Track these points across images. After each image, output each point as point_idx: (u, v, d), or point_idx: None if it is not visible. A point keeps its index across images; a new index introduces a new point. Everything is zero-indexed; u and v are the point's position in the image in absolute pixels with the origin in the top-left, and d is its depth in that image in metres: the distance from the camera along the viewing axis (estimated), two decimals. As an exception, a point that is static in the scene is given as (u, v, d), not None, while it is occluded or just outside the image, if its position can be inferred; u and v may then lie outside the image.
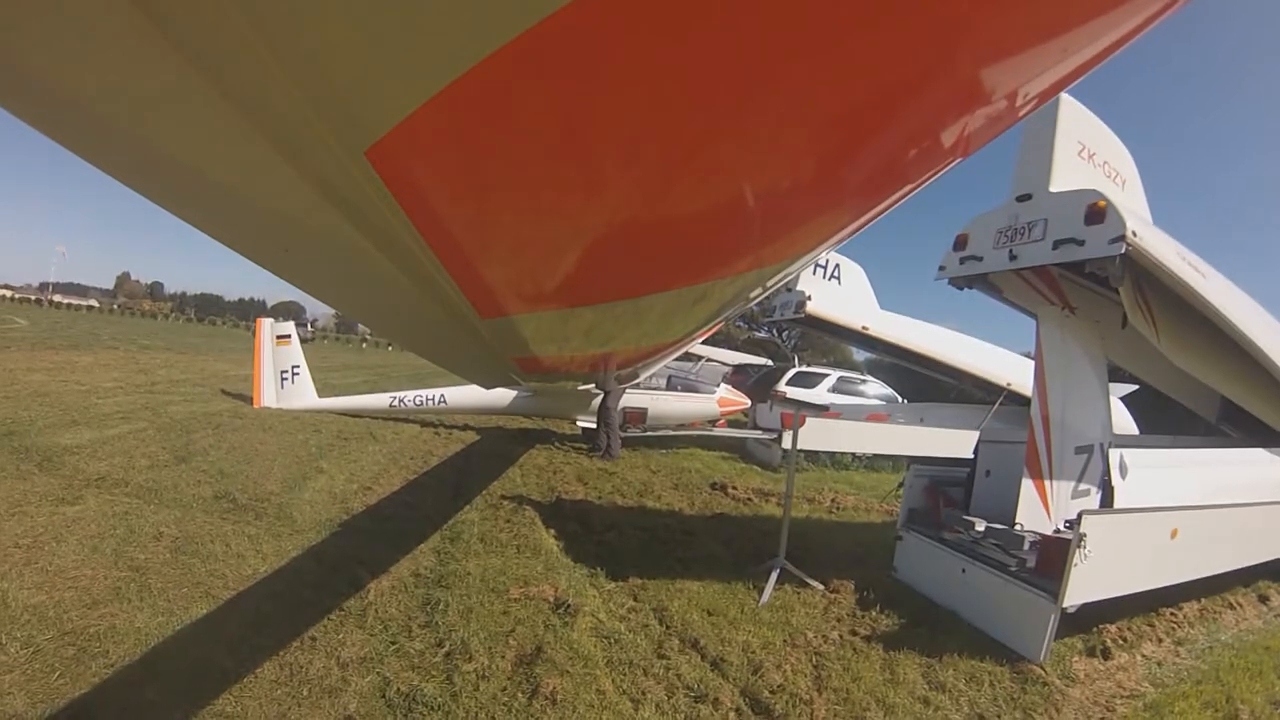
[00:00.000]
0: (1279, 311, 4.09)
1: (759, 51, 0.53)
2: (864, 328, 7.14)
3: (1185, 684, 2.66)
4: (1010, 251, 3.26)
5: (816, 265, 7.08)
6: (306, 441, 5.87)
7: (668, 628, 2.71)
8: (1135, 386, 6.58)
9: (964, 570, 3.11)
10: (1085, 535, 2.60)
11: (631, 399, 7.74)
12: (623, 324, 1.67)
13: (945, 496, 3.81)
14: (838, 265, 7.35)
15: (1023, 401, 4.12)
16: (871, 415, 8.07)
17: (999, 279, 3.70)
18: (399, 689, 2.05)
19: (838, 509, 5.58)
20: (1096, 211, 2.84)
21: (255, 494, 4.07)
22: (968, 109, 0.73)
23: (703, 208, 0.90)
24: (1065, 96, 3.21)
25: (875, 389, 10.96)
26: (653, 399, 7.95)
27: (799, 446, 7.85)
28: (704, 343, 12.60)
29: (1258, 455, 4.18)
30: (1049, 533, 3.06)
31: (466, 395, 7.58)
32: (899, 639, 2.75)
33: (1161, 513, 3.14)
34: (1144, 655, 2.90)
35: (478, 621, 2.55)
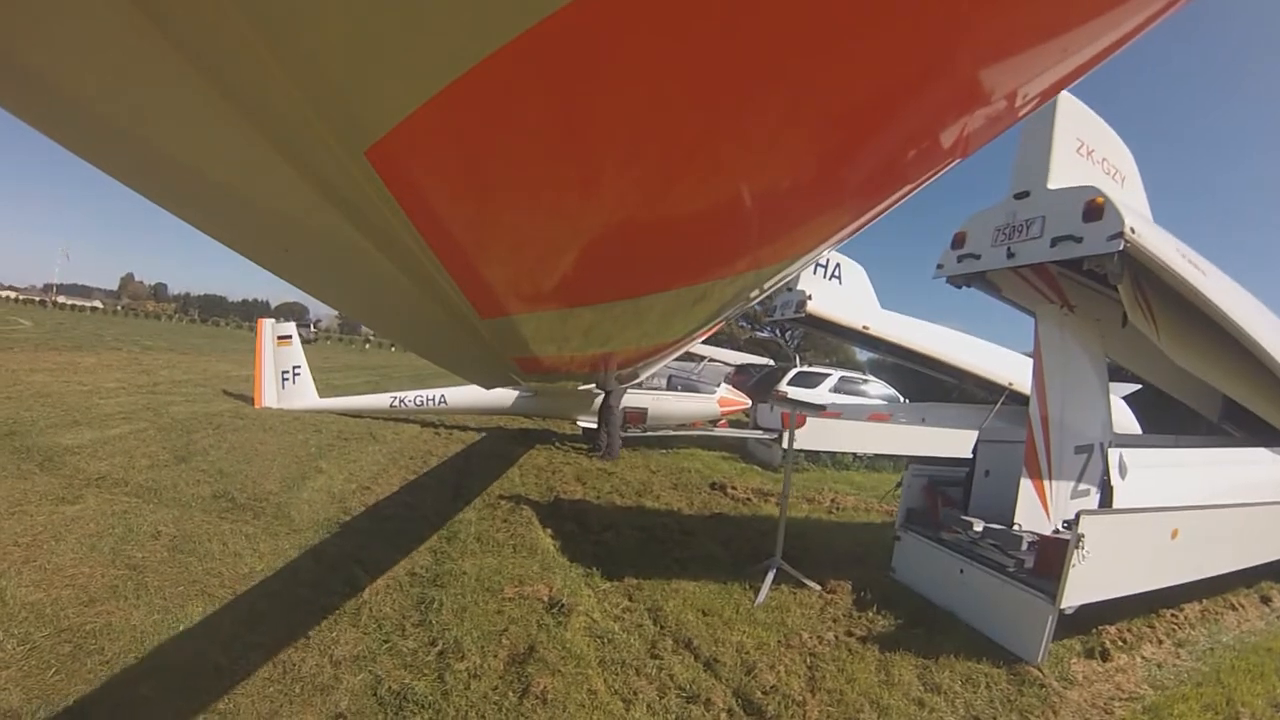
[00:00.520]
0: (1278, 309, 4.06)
1: (759, 51, 0.53)
2: (865, 327, 7.12)
3: (1185, 686, 2.63)
4: (1008, 249, 3.24)
5: (817, 265, 7.07)
6: (306, 441, 5.89)
7: (662, 628, 2.70)
8: (1138, 385, 6.54)
9: (962, 571, 3.09)
10: (1083, 536, 2.58)
11: (632, 399, 7.74)
12: (623, 324, 1.67)
13: (944, 496, 3.79)
14: (838, 265, 7.33)
15: (1025, 401, 4.09)
16: (873, 415, 8.04)
17: (997, 277, 3.68)
18: (390, 687, 2.05)
19: (837, 509, 5.57)
20: (1094, 208, 2.82)
21: (254, 493, 4.09)
22: (967, 109, 0.73)
23: (703, 207, 0.90)
24: (1064, 94, 3.19)
25: (877, 389, 10.93)
26: (653, 399, 7.94)
27: (799, 446, 7.86)
28: (705, 342, 12.61)
29: (1260, 454, 4.14)
30: (1047, 533, 3.04)
31: (467, 395, 7.59)
32: (895, 640, 2.74)
33: (1161, 513, 3.12)
34: (1144, 657, 2.88)
35: (471, 621, 2.55)
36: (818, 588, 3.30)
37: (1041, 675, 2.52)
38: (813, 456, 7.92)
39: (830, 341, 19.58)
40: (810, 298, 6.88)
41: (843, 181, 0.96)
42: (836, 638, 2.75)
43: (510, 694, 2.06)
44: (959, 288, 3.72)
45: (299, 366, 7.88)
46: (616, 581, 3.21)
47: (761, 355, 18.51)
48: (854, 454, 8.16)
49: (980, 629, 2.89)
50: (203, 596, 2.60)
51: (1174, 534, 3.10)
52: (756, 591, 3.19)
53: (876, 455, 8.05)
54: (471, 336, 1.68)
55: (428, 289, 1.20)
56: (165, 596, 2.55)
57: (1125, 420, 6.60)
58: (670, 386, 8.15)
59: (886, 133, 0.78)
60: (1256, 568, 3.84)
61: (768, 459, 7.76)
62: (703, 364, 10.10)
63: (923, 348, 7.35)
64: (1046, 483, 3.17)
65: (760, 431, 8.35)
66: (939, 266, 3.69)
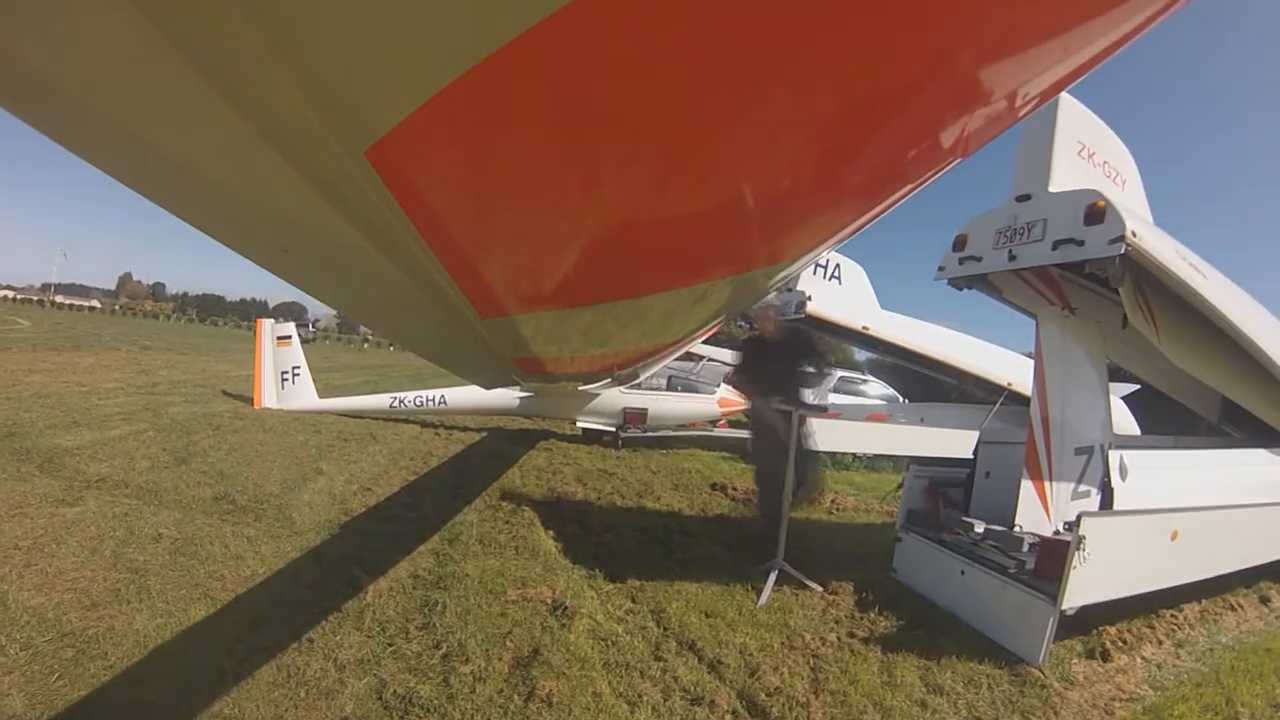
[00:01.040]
0: (1279, 311, 4.07)
1: (758, 51, 0.53)
2: (864, 328, 7.12)
3: (1185, 687, 2.64)
4: (1010, 252, 3.25)
5: (817, 265, 7.07)
6: (306, 442, 5.88)
7: (665, 630, 2.71)
8: (1137, 386, 6.56)
9: (963, 572, 3.10)
10: (1084, 537, 2.59)
11: (632, 399, 7.74)
12: (623, 324, 1.67)
13: (945, 497, 3.80)
14: (838, 265, 7.34)
15: (1024, 402, 4.11)
16: (872, 415, 8.05)
17: (998, 279, 3.69)
18: (395, 691, 2.06)
19: (838, 510, 5.58)
20: (1096, 211, 2.83)
21: (255, 495, 4.08)
22: (967, 109, 0.73)
23: (703, 208, 0.90)
24: (1065, 96, 3.20)
25: (876, 389, 10.94)
26: (653, 399, 7.94)
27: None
28: (705, 342, 12.60)
29: (1259, 456, 4.16)
30: (1048, 534, 3.05)
31: (467, 396, 7.58)
32: (897, 641, 2.75)
33: (1162, 514, 3.13)
34: (1144, 658, 2.89)
35: (475, 623, 2.56)
36: (820, 589, 3.31)
37: (1042, 676, 2.53)
38: (813, 457, 7.91)
39: (829, 341, 19.59)
40: (810, 298, 6.88)
41: (842, 181, 0.96)
42: (839, 639, 2.76)
43: (515, 697, 2.06)
44: (960, 289, 3.73)
45: (298, 367, 7.86)
46: (619, 583, 3.21)
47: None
48: (854, 454, 8.16)
49: (981, 630, 2.90)
50: (205, 599, 2.59)
51: (1174, 535, 3.11)
52: (759, 593, 3.19)
53: (876, 455, 8.05)
54: (471, 336, 1.68)
55: (428, 289, 1.20)
56: (167, 600, 2.55)
57: (1125, 421, 6.62)
58: (670, 386, 8.15)
59: (886, 132, 0.78)
60: (1256, 568, 3.86)
61: None
62: (701, 364, 10.09)
63: (922, 348, 7.36)
64: (1047, 484, 3.18)
65: None
66: (940, 268, 3.70)
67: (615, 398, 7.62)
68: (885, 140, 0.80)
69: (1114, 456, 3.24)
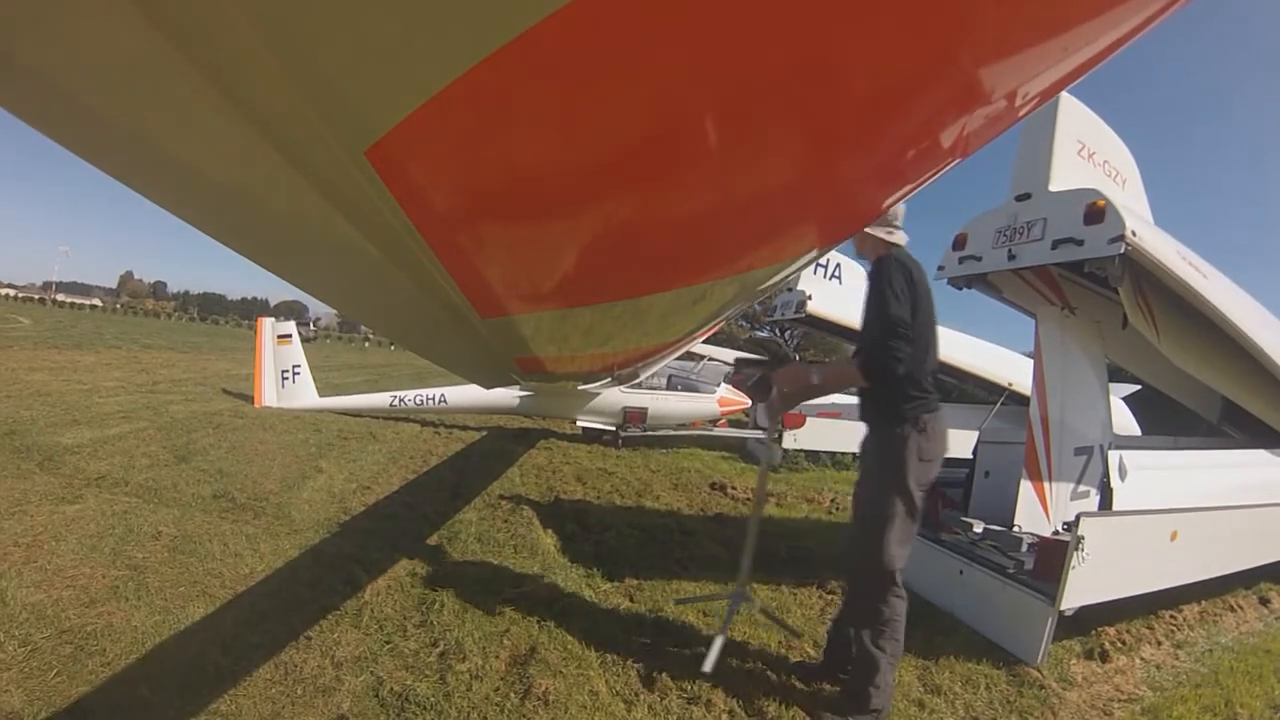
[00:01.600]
0: (1279, 311, 4.06)
1: (759, 51, 0.53)
2: None
3: (1184, 687, 2.64)
4: (1009, 251, 3.24)
5: (817, 265, 7.06)
6: (306, 441, 5.89)
7: (662, 629, 2.70)
8: (1137, 386, 6.55)
9: (962, 572, 3.09)
10: (1083, 538, 2.59)
11: (632, 399, 7.74)
12: (623, 324, 1.67)
13: (944, 497, 3.79)
14: (838, 265, 7.33)
15: (1024, 402, 4.11)
16: None
17: (998, 279, 3.68)
18: (392, 688, 2.06)
19: (837, 509, 5.57)
20: (1096, 211, 2.82)
21: (254, 493, 4.08)
22: (967, 109, 0.73)
23: (703, 208, 0.90)
24: (1065, 95, 3.20)
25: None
26: (653, 399, 7.94)
27: (800, 447, 7.82)
28: (705, 342, 12.59)
29: (1259, 456, 4.15)
30: (1047, 535, 3.05)
31: (467, 395, 7.59)
32: (895, 640, 2.74)
33: (1161, 515, 3.12)
34: (1143, 658, 2.89)
35: (472, 622, 2.56)
36: (795, 627, 2.76)
37: (1041, 676, 2.52)
38: (813, 456, 7.92)
39: (829, 341, 19.61)
40: (810, 298, 6.87)
41: (843, 181, 0.96)
42: (837, 639, 2.75)
43: (512, 695, 2.06)
44: (960, 289, 3.73)
45: (299, 365, 7.88)
46: (617, 582, 3.21)
47: (761, 355, 18.51)
48: (854, 454, 8.14)
49: (980, 630, 2.89)
50: (204, 597, 2.60)
51: (1173, 536, 3.10)
52: (753, 594, 3.18)
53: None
54: (471, 336, 1.68)
55: (428, 289, 1.20)
56: (166, 597, 2.55)
57: (1125, 421, 6.60)
58: (670, 386, 8.15)
59: (886, 132, 0.78)
60: (1255, 569, 3.85)
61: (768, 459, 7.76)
62: (701, 363, 10.08)
63: (922, 348, 7.34)
64: (1046, 484, 3.18)
65: (760, 432, 8.35)
66: (940, 268, 3.70)
67: (615, 397, 7.63)
68: (885, 140, 0.80)
69: (1113, 457, 3.24)
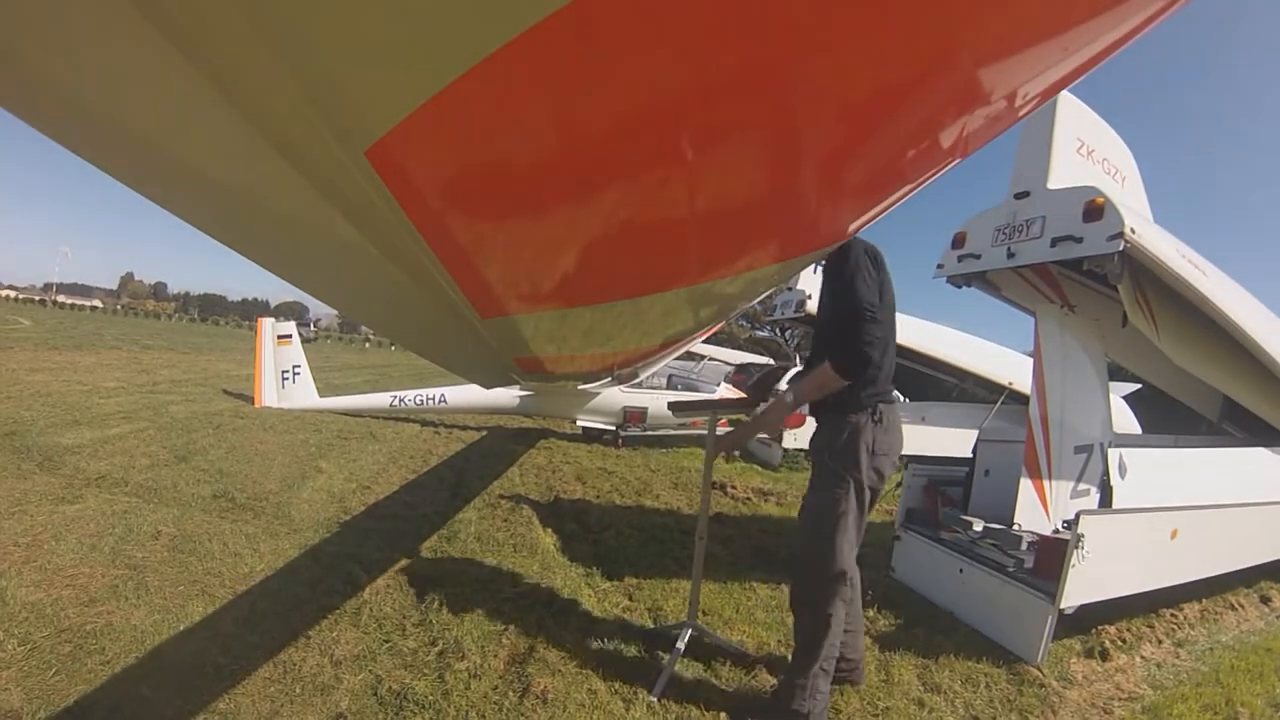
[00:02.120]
0: (1279, 310, 4.06)
1: (759, 51, 0.53)
2: None
3: (1185, 686, 2.64)
4: (1009, 249, 3.24)
5: (817, 264, 7.05)
6: (306, 441, 5.89)
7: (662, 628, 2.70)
8: (1138, 385, 6.55)
9: (962, 570, 3.09)
10: (1083, 536, 2.59)
11: (632, 399, 7.73)
12: (623, 324, 1.67)
13: (944, 496, 3.79)
14: (838, 264, 7.32)
15: (1025, 401, 4.11)
16: None
17: (997, 277, 3.68)
18: (391, 687, 2.06)
19: (837, 509, 5.56)
20: (1095, 208, 2.82)
21: (254, 493, 4.09)
22: (967, 109, 0.73)
23: (703, 207, 0.90)
24: (1064, 94, 3.19)
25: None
26: (653, 398, 7.94)
27: (800, 447, 7.80)
28: (705, 341, 12.60)
29: (1259, 455, 4.15)
30: (1047, 533, 3.05)
31: (467, 395, 7.59)
32: (895, 640, 2.74)
33: (1161, 513, 3.12)
34: (1143, 657, 2.89)
35: (471, 621, 2.56)
36: (743, 649, 2.49)
37: (1041, 675, 2.52)
38: (812, 456, 7.90)
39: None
40: (810, 297, 6.88)
41: (843, 181, 0.96)
42: (836, 638, 2.75)
43: (510, 694, 2.06)
44: (959, 287, 3.73)
45: (299, 366, 7.88)
46: (616, 581, 3.21)
47: (761, 354, 18.51)
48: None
49: (980, 629, 2.89)
50: (203, 596, 2.60)
51: (1174, 534, 3.10)
52: (757, 593, 3.19)
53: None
54: (471, 336, 1.68)
55: (428, 289, 1.20)
56: (165, 596, 2.56)
57: (1125, 420, 6.60)
58: (670, 386, 8.15)
59: (886, 132, 0.78)
60: (1256, 568, 3.85)
61: (767, 458, 7.77)
62: (702, 363, 10.08)
63: (922, 347, 7.35)
64: (1046, 483, 3.18)
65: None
66: (939, 266, 3.70)
67: (615, 397, 7.63)
68: (885, 140, 0.80)
69: (1113, 455, 3.24)
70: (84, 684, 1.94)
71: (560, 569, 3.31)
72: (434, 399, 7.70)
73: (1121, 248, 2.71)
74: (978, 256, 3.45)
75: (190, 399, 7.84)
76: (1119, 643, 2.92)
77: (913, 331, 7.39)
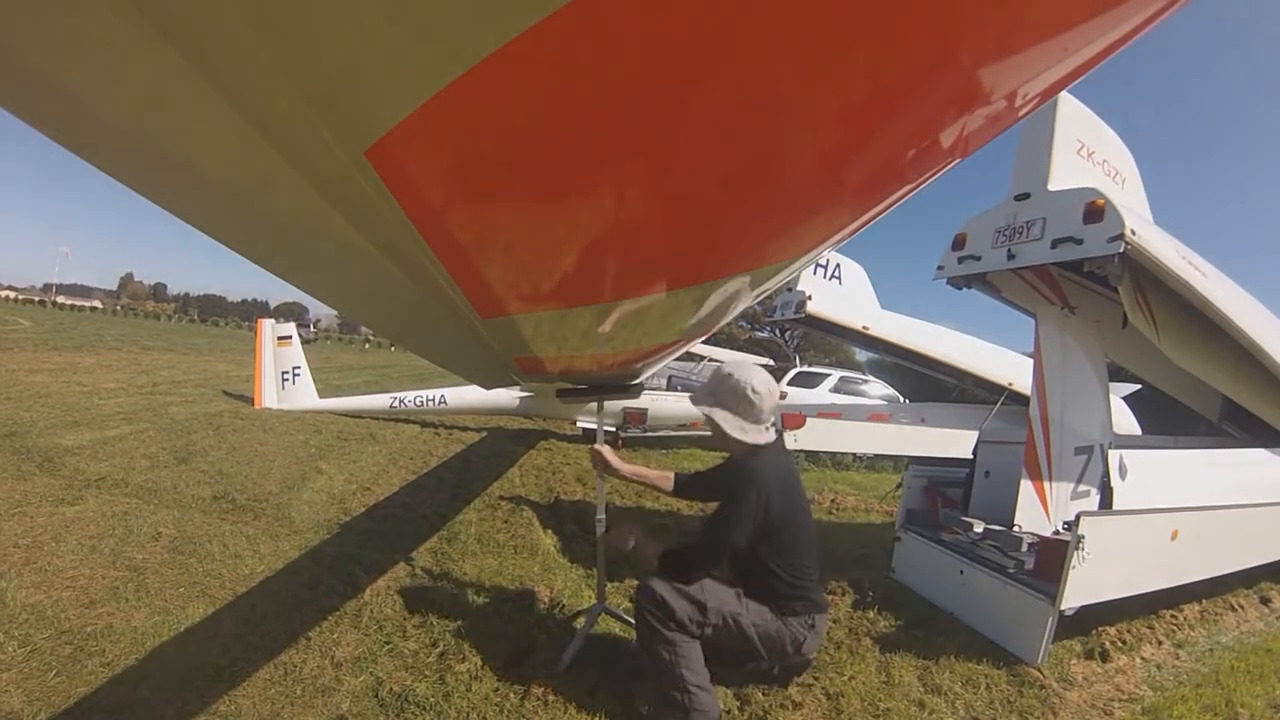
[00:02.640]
0: (1279, 311, 4.06)
1: (759, 51, 0.53)
2: (864, 327, 7.12)
3: (1185, 687, 2.63)
4: (1009, 251, 3.25)
5: (817, 265, 7.06)
6: (306, 442, 5.89)
7: (663, 629, 2.70)
8: (1138, 386, 6.55)
9: (962, 572, 3.09)
10: (1083, 537, 2.58)
11: (631, 400, 7.73)
12: (623, 324, 1.67)
13: (944, 497, 3.79)
14: (838, 265, 7.33)
15: (1024, 401, 4.12)
16: (872, 415, 8.04)
17: (998, 278, 3.69)
18: (392, 689, 2.06)
19: (837, 509, 5.57)
20: (1095, 210, 2.82)
21: (254, 494, 4.08)
22: (967, 109, 0.73)
23: (703, 208, 0.90)
24: (1065, 95, 3.20)
25: (877, 389, 10.93)
26: (653, 399, 7.94)
27: (800, 447, 7.83)
28: (705, 342, 12.61)
29: (1260, 456, 4.15)
30: (1047, 534, 3.05)
31: (467, 396, 7.59)
32: (895, 641, 2.74)
33: (1161, 514, 3.12)
34: (1143, 658, 2.88)
35: (472, 622, 2.56)
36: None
37: (1041, 676, 2.52)
38: (813, 457, 7.92)
39: (829, 341, 19.60)
40: (810, 298, 6.87)
41: (843, 181, 0.96)
42: (837, 639, 2.75)
43: (512, 695, 2.06)
44: (959, 289, 3.73)
45: (299, 367, 7.88)
46: (617, 582, 3.21)
47: (761, 355, 18.52)
48: (854, 454, 8.15)
49: (980, 630, 2.89)
50: (203, 598, 2.60)
51: (1174, 535, 3.10)
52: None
53: (876, 455, 8.04)
54: (471, 336, 1.68)
55: (428, 289, 1.20)
56: (166, 598, 2.55)
57: (1125, 421, 6.61)
58: (670, 387, 8.15)
59: (886, 132, 0.78)
60: (1256, 568, 3.84)
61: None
62: (702, 364, 10.09)
63: (922, 348, 7.35)
64: (1047, 484, 3.18)
65: None
66: (939, 268, 3.70)
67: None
68: (886, 140, 0.80)
69: (1114, 456, 3.24)
70: (85, 686, 1.94)
71: (561, 570, 3.31)
72: (434, 400, 7.71)
73: (1122, 249, 2.71)
74: (978, 258, 3.46)
75: (190, 400, 7.84)
76: (1119, 644, 2.92)
77: (911, 332, 7.39)
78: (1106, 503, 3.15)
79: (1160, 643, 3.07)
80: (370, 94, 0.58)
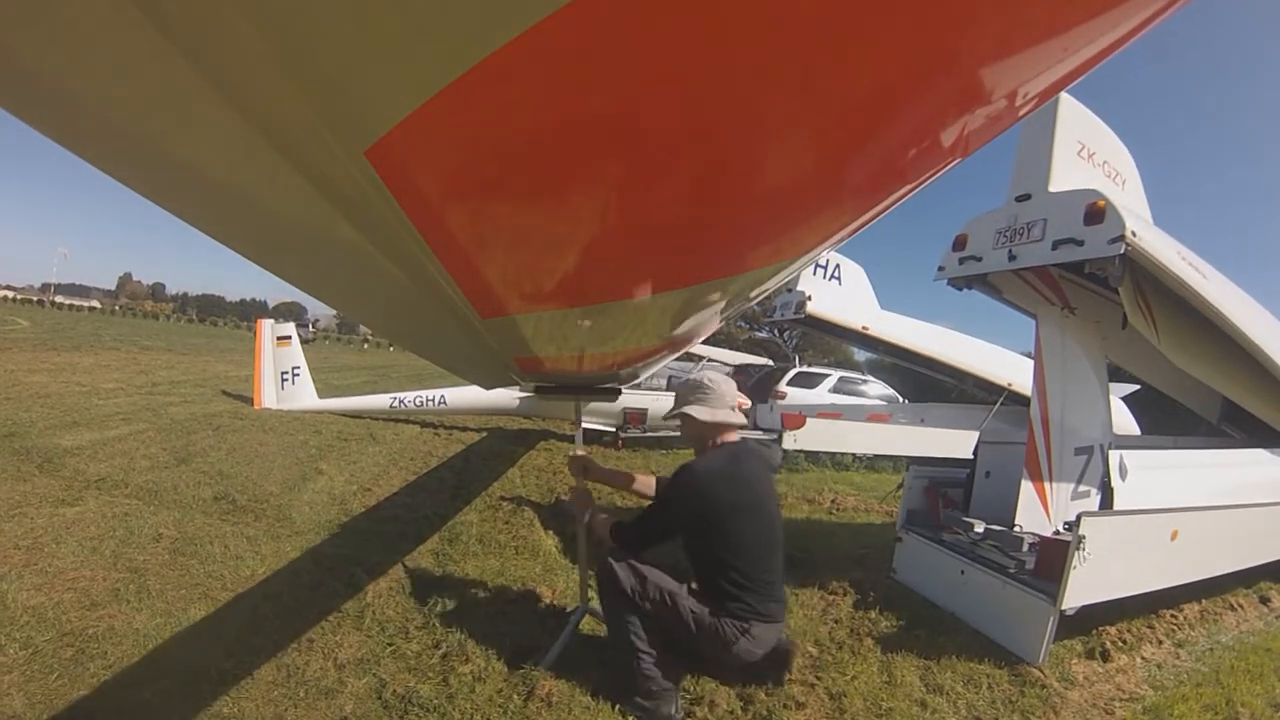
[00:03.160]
0: (1279, 311, 4.07)
1: (759, 51, 0.53)
2: (864, 328, 7.12)
3: (1185, 686, 2.64)
4: (1010, 252, 3.25)
5: (816, 265, 7.07)
6: (306, 442, 5.88)
7: (665, 629, 2.70)
8: (1137, 386, 6.56)
9: (963, 572, 3.10)
10: (1084, 537, 2.59)
11: (632, 400, 7.73)
12: (623, 324, 1.67)
13: (945, 497, 3.80)
14: (838, 265, 7.33)
15: (1024, 402, 4.13)
16: (872, 415, 8.05)
17: (998, 279, 3.69)
18: (395, 690, 2.06)
19: (837, 510, 5.57)
20: (1096, 211, 2.83)
21: (254, 495, 4.08)
22: (967, 109, 0.73)
23: (703, 208, 0.89)
24: (1065, 96, 3.21)
25: (876, 389, 10.93)
26: (653, 399, 7.94)
27: (800, 447, 7.82)
28: (704, 343, 12.61)
29: (1259, 456, 4.16)
30: (1048, 534, 3.05)
31: (467, 396, 7.58)
32: (897, 641, 2.74)
33: (1161, 514, 3.13)
34: (1144, 657, 2.89)
35: (475, 623, 2.55)
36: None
37: (1042, 676, 2.53)
38: (813, 457, 7.93)
39: (829, 341, 19.60)
40: (809, 298, 6.88)
41: (843, 182, 0.96)
42: (839, 639, 2.75)
43: (515, 696, 2.06)
44: (960, 289, 3.73)
45: (298, 367, 7.86)
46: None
47: (760, 355, 18.53)
48: (854, 454, 8.16)
49: (981, 630, 2.90)
50: (205, 599, 2.59)
51: (1174, 535, 3.11)
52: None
53: (876, 455, 8.04)
54: (471, 336, 1.68)
55: (428, 289, 1.20)
56: (167, 600, 2.55)
57: (1125, 421, 6.62)
58: (670, 386, 8.15)
59: (886, 132, 0.78)
60: (1256, 568, 3.86)
61: (768, 459, 7.77)
62: (702, 364, 10.09)
63: (922, 348, 7.36)
64: (1047, 484, 3.19)
65: (759, 432, 8.36)
66: (940, 268, 3.70)
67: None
68: (886, 140, 0.80)
69: (1114, 456, 3.24)
70: (86, 688, 1.94)
71: (563, 570, 3.31)
72: (434, 400, 7.70)
73: (1122, 250, 2.72)
74: (979, 259, 3.46)
75: (190, 400, 7.82)
76: (1119, 643, 2.92)
77: (911, 332, 7.40)
78: (1107, 503, 3.16)
79: (1161, 642, 3.08)
80: (370, 94, 0.58)
